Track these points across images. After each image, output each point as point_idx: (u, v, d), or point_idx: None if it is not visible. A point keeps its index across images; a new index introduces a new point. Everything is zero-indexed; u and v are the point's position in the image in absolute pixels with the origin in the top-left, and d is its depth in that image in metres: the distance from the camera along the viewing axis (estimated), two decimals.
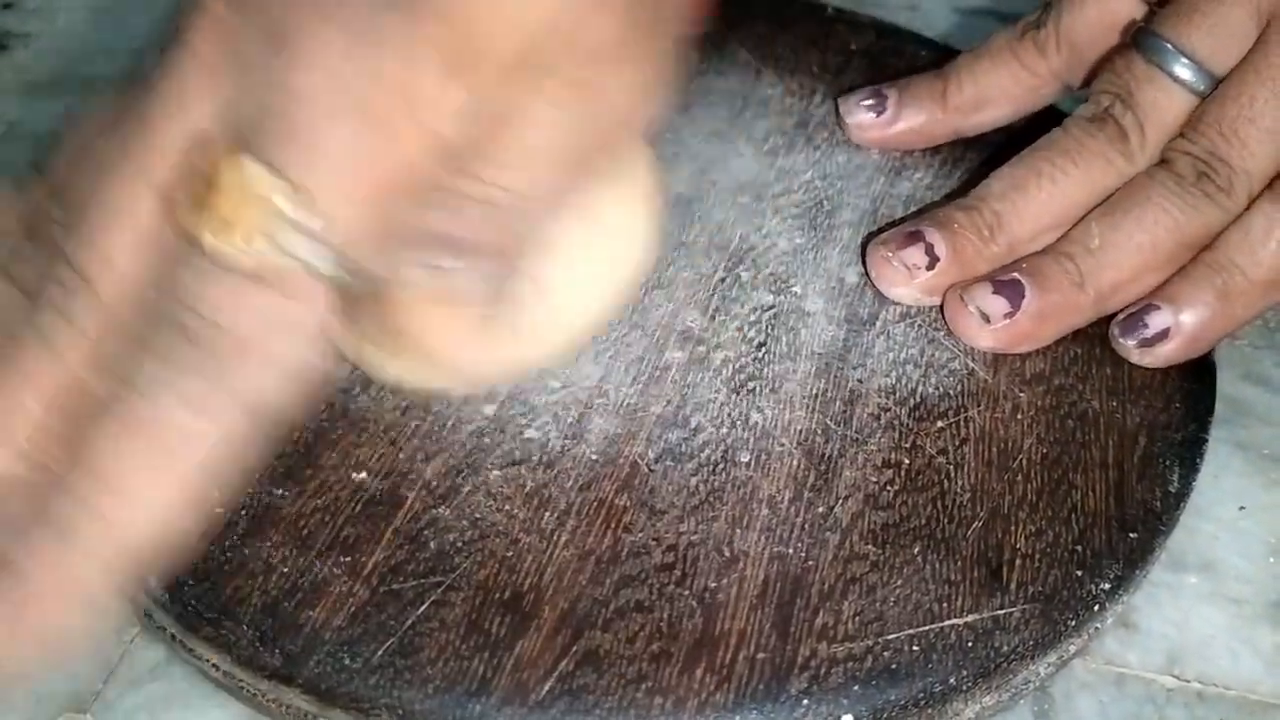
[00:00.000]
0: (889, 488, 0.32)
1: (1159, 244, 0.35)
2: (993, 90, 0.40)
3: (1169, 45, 0.36)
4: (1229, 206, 0.35)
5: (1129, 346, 0.35)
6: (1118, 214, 0.35)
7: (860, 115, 0.42)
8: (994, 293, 0.35)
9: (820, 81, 0.44)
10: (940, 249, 0.36)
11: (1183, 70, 0.35)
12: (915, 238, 0.36)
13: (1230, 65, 0.35)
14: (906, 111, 0.41)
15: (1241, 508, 0.35)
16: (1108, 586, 0.30)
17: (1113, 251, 0.35)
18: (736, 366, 0.35)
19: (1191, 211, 0.35)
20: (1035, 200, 0.36)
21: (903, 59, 0.45)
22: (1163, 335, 0.35)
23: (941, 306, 0.36)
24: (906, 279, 0.36)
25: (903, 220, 0.39)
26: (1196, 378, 0.35)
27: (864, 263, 0.38)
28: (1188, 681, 0.32)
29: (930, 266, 0.36)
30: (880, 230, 0.38)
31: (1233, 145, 0.34)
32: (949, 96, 0.41)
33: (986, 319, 0.35)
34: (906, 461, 0.33)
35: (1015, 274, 0.35)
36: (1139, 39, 0.36)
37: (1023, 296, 0.35)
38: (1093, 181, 0.36)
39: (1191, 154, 0.35)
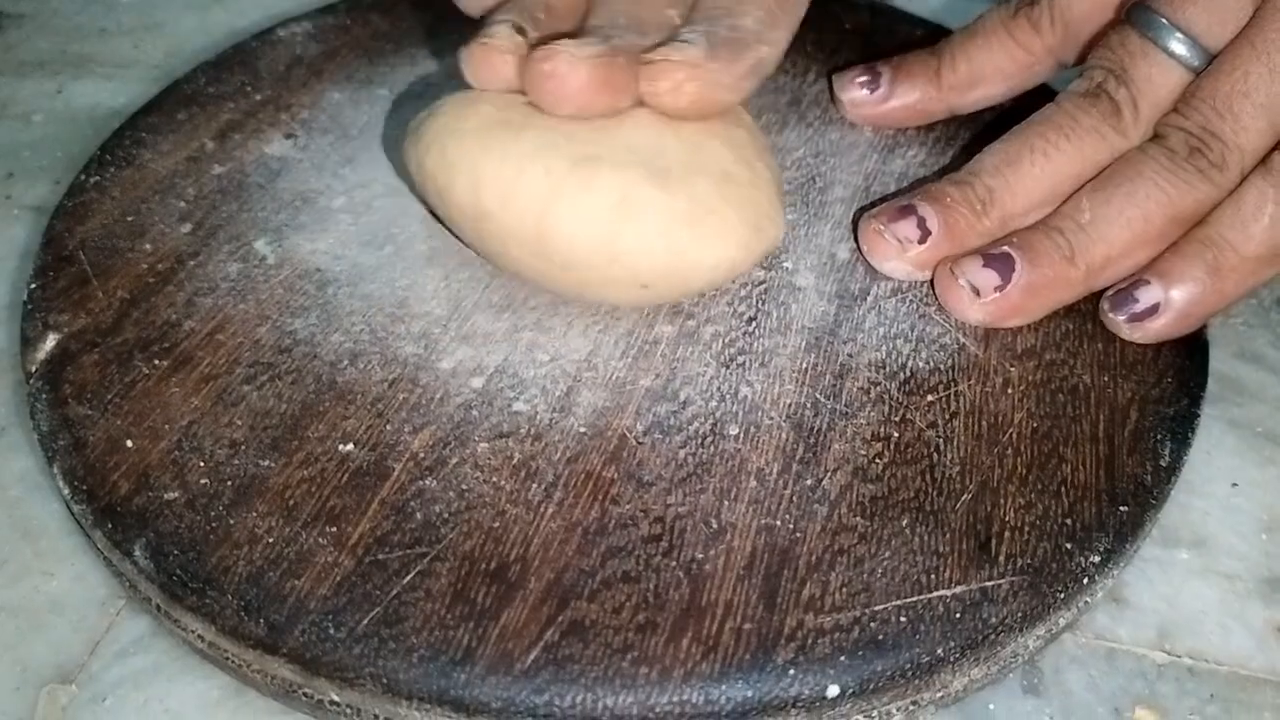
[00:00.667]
0: (878, 460, 0.32)
1: (1150, 219, 0.35)
2: (987, 68, 0.40)
3: (1164, 20, 0.35)
4: (1221, 182, 0.34)
5: (1119, 321, 0.35)
6: (1109, 189, 0.35)
7: (854, 92, 0.41)
8: (984, 266, 0.35)
9: (814, 60, 0.44)
10: (932, 223, 0.36)
11: (1177, 45, 0.35)
12: (908, 211, 0.36)
13: (1225, 41, 0.35)
14: (900, 89, 0.41)
15: (1234, 485, 0.35)
16: (1097, 559, 0.30)
17: (1103, 226, 0.35)
18: (726, 340, 0.35)
19: (1184, 187, 0.34)
20: (1028, 175, 0.36)
21: (896, 38, 0.45)
22: (1153, 310, 0.34)
23: (932, 281, 0.36)
24: (898, 252, 0.36)
25: (895, 195, 0.39)
26: (1188, 353, 0.35)
27: (855, 237, 0.37)
28: (1178, 656, 0.31)
29: (922, 240, 0.36)
30: (871, 206, 0.38)
31: (1226, 120, 0.34)
32: (943, 74, 0.40)
33: (976, 293, 0.35)
34: (896, 435, 0.32)
35: (1006, 248, 0.35)
36: (1134, 14, 0.36)
37: (1013, 270, 0.35)
38: (1085, 157, 0.36)
39: (1185, 129, 0.35)
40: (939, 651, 0.28)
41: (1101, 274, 0.35)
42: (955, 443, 0.32)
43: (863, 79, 0.41)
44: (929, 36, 0.43)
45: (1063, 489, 0.31)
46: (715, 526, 0.30)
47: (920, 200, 0.36)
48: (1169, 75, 0.35)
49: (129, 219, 0.38)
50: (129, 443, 0.32)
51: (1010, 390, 0.34)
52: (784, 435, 0.32)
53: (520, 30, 0.34)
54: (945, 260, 0.36)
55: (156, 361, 0.34)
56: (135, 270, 0.36)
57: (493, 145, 0.33)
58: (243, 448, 0.32)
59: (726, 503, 0.31)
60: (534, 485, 0.31)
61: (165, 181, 0.39)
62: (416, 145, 0.35)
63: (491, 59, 0.34)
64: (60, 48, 0.50)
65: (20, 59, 0.50)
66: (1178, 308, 0.34)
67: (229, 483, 0.31)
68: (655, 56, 0.33)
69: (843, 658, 0.28)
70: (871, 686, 0.28)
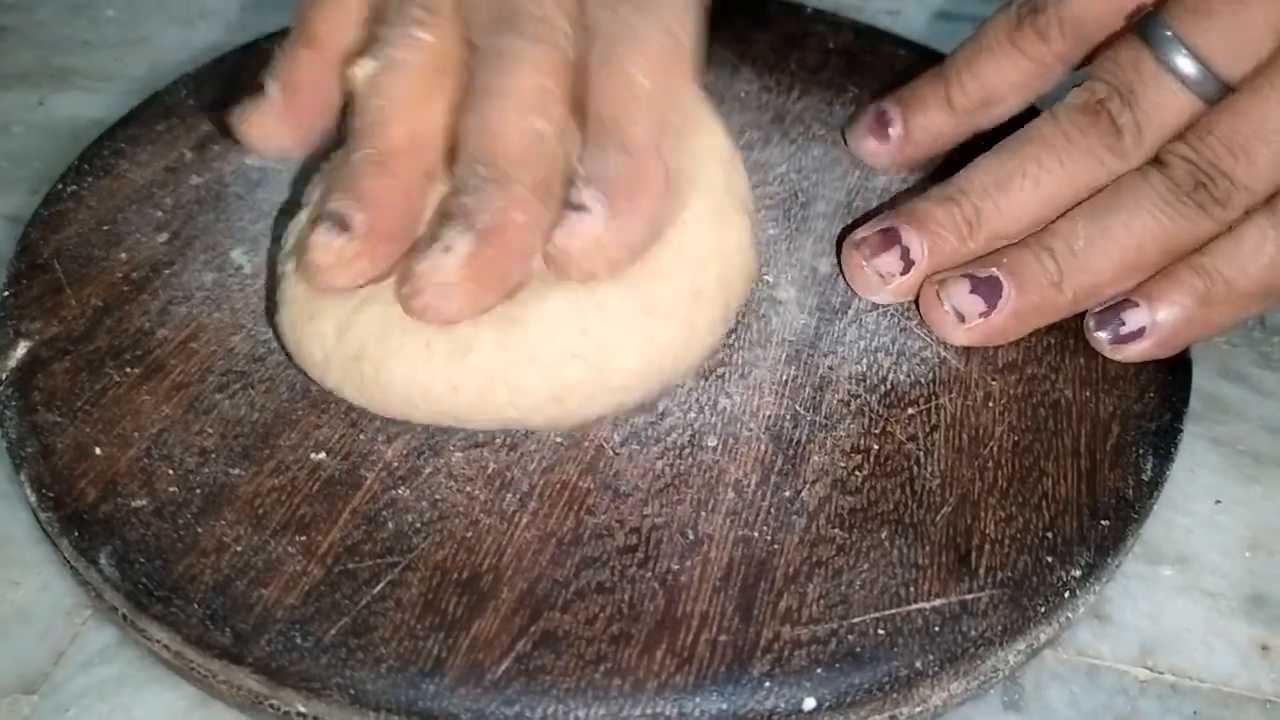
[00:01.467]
0: (857, 473, 0.31)
1: (1144, 249, 0.34)
2: (999, 85, 0.38)
3: (1182, 46, 0.34)
4: (1222, 218, 0.33)
5: (1103, 340, 0.35)
6: (1107, 217, 0.34)
7: (869, 144, 0.40)
8: (971, 291, 0.34)
9: (797, 79, 0.44)
10: (916, 251, 0.35)
11: (1193, 73, 0.34)
12: (891, 239, 0.35)
13: (1242, 73, 0.33)
14: (915, 125, 0.39)
15: (1217, 502, 0.35)
16: (1078, 574, 0.30)
17: (1098, 256, 0.34)
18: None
19: (1182, 222, 0.33)
20: (1018, 199, 0.35)
21: (880, 58, 0.45)
22: (1137, 333, 0.34)
23: (916, 300, 0.36)
24: (880, 285, 0.35)
25: (878, 211, 0.38)
26: (1171, 369, 0.35)
27: (839, 258, 0.37)
28: (1161, 673, 0.31)
29: (905, 271, 0.35)
30: (854, 224, 0.38)
31: (1239, 161, 0.33)
32: (954, 99, 0.38)
33: (961, 318, 0.34)
34: (876, 447, 0.32)
35: (994, 270, 0.34)
36: (1149, 31, 0.34)
37: (1000, 296, 0.34)
38: (1079, 180, 0.35)
39: (1193, 162, 0.33)
40: (917, 665, 0.28)
41: (1088, 299, 0.35)
42: (935, 456, 0.32)
43: (874, 127, 0.40)
44: (914, 58, 0.43)
45: (1044, 503, 0.31)
46: (692, 538, 0.30)
47: (905, 224, 0.35)
48: (1179, 102, 0.34)
49: (105, 228, 0.38)
50: (98, 450, 0.31)
51: (991, 404, 0.33)
52: (763, 447, 0.32)
53: (343, 224, 0.30)
54: (931, 278, 0.35)
55: (128, 369, 0.33)
56: (110, 279, 0.36)
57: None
58: (213, 456, 0.31)
59: (704, 514, 0.30)
60: (508, 495, 0.31)
61: (143, 191, 0.39)
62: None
63: (322, 276, 0.31)
64: (43, 60, 0.50)
65: (2, 71, 0.49)
66: (1163, 333, 0.34)
67: (198, 491, 0.30)
68: (554, 246, 0.30)
69: (819, 670, 0.27)
70: (848, 700, 0.27)
